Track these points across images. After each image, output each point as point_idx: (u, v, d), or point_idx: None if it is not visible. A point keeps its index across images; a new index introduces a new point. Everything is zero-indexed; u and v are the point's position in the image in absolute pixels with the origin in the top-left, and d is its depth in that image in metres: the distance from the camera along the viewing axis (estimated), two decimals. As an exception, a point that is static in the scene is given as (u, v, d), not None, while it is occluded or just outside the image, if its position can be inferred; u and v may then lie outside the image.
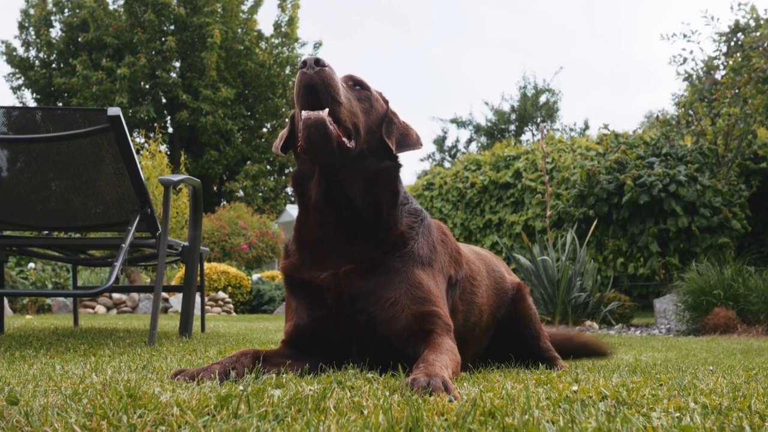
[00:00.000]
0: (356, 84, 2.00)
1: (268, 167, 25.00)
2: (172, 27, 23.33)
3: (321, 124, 1.77)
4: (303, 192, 1.98)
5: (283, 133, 2.12)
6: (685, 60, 9.43)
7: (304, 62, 1.81)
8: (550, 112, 28.91)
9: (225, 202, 21.41)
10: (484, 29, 54.38)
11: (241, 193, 23.96)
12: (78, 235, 5.02)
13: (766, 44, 8.26)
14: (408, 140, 2.05)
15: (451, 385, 1.45)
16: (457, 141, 31.00)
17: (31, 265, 10.53)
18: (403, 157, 2.08)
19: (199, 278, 4.36)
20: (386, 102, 2.09)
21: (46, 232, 4.57)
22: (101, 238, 4.01)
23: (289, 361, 1.92)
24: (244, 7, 24.37)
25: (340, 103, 1.83)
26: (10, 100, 24.39)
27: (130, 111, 21.87)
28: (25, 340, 3.36)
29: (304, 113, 1.79)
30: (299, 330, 1.98)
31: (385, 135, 1.98)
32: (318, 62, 1.81)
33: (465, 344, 2.12)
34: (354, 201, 1.92)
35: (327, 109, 1.80)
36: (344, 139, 1.83)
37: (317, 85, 1.80)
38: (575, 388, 1.57)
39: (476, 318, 2.23)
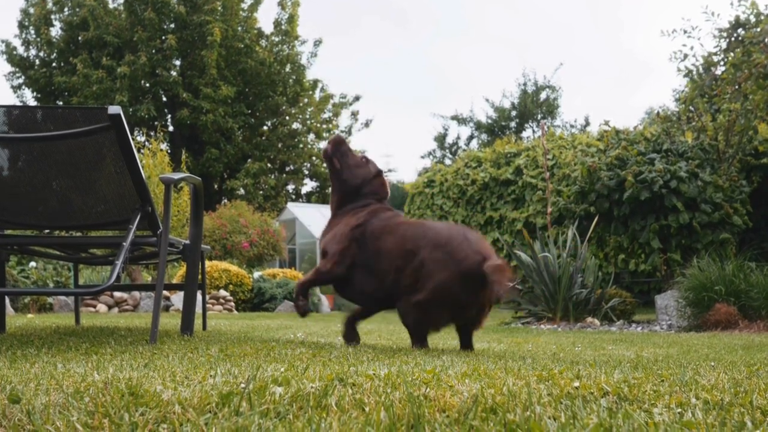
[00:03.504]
0: None
1: (269, 165, 25.00)
2: (173, 25, 23.30)
3: None
4: None
5: None
6: (685, 56, 9.39)
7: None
8: (550, 109, 28.87)
9: (226, 200, 21.38)
10: (484, 25, 54.31)
11: (241, 191, 23.92)
12: (79, 234, 5.03)
13: (766, 39, 8.22)
14: None
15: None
16: (458, 138, 30.90)
17: (33, 264, 10.53)
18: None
19: (200, 276, 4.36)
20: None
21: (47, 230, 4.57)
22: (102, 237, 4.00)
23: None
24: (244, 5, 24.33)
25: None
26: (10, 99, 24.41)
27: (131, 109, 21.85)
28: (27, 338, 3.36)
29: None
30: None
31: None
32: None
33: None
34: None
35: None
36: None
37: None
38: (577, 384, 1.57)
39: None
